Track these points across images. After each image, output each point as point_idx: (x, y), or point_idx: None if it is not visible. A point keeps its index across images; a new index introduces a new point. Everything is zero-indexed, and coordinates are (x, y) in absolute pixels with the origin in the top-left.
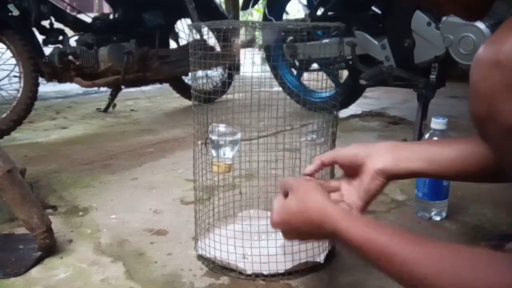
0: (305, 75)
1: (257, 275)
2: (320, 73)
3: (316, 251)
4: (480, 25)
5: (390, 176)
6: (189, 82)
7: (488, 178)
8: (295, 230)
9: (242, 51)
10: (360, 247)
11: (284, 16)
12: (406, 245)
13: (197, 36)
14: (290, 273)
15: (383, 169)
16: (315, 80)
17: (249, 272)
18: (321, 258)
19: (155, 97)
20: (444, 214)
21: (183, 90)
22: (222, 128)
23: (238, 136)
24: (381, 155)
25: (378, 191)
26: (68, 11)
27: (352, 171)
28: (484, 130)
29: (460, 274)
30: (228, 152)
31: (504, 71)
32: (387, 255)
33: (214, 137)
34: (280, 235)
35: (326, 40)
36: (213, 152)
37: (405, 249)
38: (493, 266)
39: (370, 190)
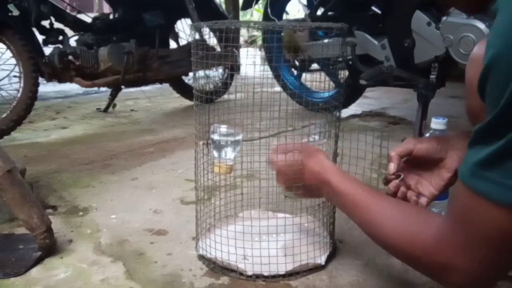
0: (307, 75)
1: (257, 276)
2: (321, 73)
3: (318, 253)
4: (480, 25)
5: None
6: (189, 82)
7: None
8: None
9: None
10: (345, 196)
11: (284, 16)
12: (373, 198)
13: (197, 36)
14: (290, 274)
15: None
16: (316, 80)
17: (249, 273)
18: (322, 260)
19: (155, 97)
20: (444, 214)
21: (183, 90)
22: (223, 128)
23: (240, 137)
24: (456, 152)
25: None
26: (68, 11)
27: (425, 162)
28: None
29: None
30: (229, 153)
31: None
32: (359, 202)
33: (215, 138)
34: (281, 236)
35: (326, 40)
36: (215, 153)
37: (371, 201)
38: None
39: (450, 185)
